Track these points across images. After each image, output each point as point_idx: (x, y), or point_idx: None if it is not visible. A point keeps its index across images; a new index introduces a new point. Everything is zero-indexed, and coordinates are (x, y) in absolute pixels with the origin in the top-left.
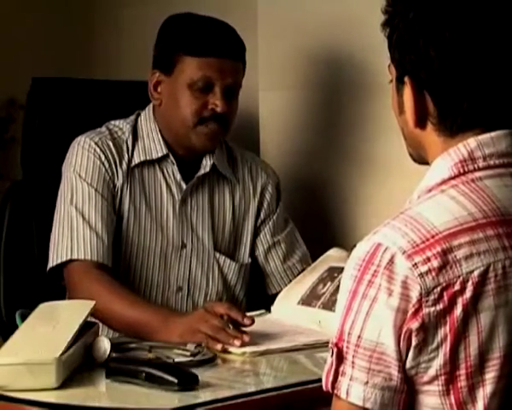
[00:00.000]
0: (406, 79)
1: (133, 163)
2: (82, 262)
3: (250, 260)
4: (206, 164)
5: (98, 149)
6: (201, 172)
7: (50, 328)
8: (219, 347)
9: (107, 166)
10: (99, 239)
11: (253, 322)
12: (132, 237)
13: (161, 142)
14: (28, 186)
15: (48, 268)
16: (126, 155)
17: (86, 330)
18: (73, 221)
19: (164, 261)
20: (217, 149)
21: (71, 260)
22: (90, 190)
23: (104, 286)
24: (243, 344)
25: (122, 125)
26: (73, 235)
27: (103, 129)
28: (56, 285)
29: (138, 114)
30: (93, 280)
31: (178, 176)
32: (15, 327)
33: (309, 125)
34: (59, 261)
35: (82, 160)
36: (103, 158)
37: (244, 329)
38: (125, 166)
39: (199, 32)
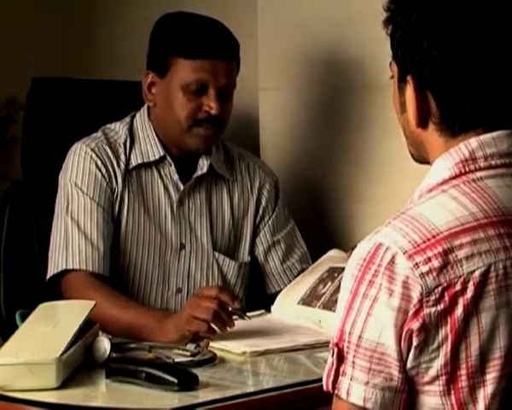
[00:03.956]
0: (409, 78)
1: (130, 166)
2: (77, 272)
3: (249, 258)
4: (203, 165)
5: (94, 155)
6: (198, 172)
7: (50, 328)
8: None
9: (103, 171)
10: (94, 249)
11: (241, 306)
12: (131, 240)
13: (157, 143)
14: (28, 186)
15: (46, 279)
16: (124, 159)
17: (86, 330)
18: (69, 231)
19: (163, 263)
20: (213, 149)
21: (67, 271)
22: (85, 200)
23: (99, 293)
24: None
25: (118, 129)
26: (68, 245)
27: (99, 134)
28: (55, 294)
29: (133, 116)
30: (88, 289)
31: (176, 177)
32: (15, 327)
33: (309, 125)
34: (55, 272)
35: (78, 168)
36: (100, 164)
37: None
38: (122, 169)
39: (191, 33)
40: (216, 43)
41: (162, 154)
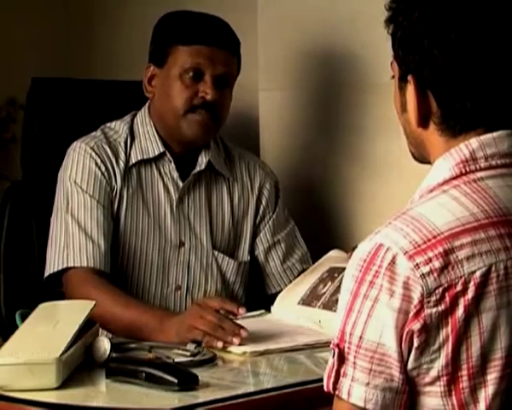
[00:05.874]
0: (410, 77)
1: (130, 163)
2: (79, 269)
3: (249, 257)
4: (202, 161)
5: (94, 154)
6: (197, 169)
7: (50, 328)
8: (220, 344)
9: (103, 169)
10: (95, 246)
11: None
12: (130, 237)
13: (157, 140)
14: (28, 186)
15: (44, 276)
16: (123, 156)
17: (86, 330)
18: (69, 229)
19: (162, 260)
20: (213, 147)
21: (68, 268)
22: (85, 197)
23: (101, 291)
24: (242, 342)
25: (118, 128)
26: (69, 243)
27: (98, 133)
28: (54, 292)
29: (134, 115)
30: (89, 286)
31: (175, 174)
32: (15, 327)
33: (309, 125)
34: (55, 269)
35: (77, 166)
36: (99, 162)
37: (242, 324)
38: (122, 167)
39: (191, 22)
40: (214, 31)
41: (162, 150)
